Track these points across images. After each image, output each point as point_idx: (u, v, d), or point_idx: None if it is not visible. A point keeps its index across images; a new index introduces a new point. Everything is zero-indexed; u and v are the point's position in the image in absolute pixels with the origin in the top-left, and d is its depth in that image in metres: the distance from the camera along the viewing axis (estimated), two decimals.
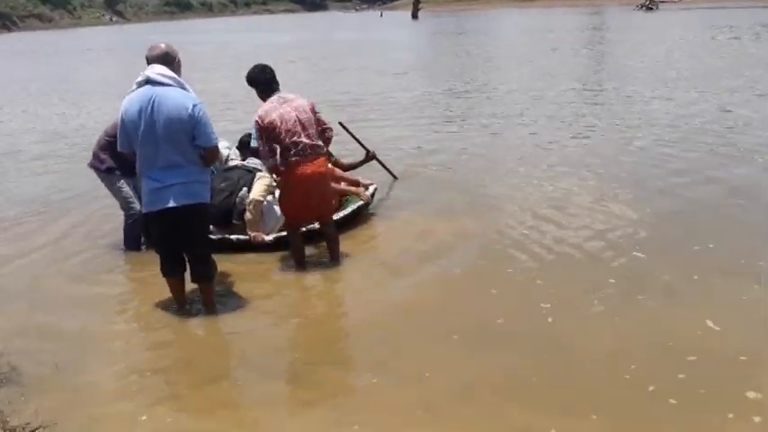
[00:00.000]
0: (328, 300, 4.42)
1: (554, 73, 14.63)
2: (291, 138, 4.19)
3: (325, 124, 4.40)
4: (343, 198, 5.51)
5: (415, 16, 55.68)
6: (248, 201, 4.87)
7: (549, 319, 3.66)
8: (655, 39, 22.75)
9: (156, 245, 3.96)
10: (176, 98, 3.54)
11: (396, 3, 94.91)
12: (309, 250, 4.71)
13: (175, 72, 3.66)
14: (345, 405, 3.05)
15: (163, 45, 3.75)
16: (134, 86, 3.62)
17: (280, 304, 4.24)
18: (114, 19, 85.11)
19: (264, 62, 4.47)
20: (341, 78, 15.89)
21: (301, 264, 4.56)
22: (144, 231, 4.74)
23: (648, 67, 14.88)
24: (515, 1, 72.10)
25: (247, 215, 4.86)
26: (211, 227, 4.59)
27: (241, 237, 4.85)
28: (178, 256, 3.85)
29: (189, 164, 3.62)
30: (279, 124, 4.17)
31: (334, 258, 4.61)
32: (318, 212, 4.54)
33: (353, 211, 5.29)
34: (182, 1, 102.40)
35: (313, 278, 4.52)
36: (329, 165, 5.27)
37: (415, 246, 4.90)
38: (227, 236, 4.85)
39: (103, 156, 4.82)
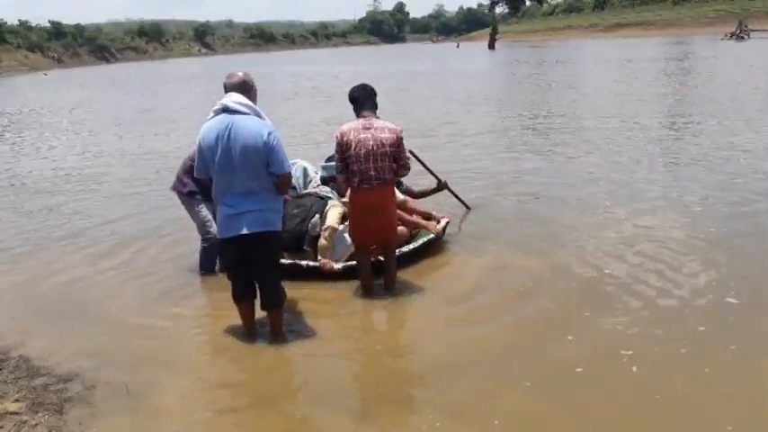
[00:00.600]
0: (396, 334, 4.31)
1: (636, 103, 14.14)
2: (360, 165, 4.22)
3: (402, 161, 4.35)
4: (413, 231, 5.42)
5: (491, 47, 55.80)
6: (324, 227, 4.87)
7: (633, 368, 3.40)
8: (745, 69, 21.66)
9: (229, 270, 4.00)
10: (252, 126, 3.59)
11: (473, 34, 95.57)
12: (380, 280, 4.64)
13: (252, 100, 3.74)
14: None
15: (240, 74, 3.83)
16: (211, 114, 3.71)
17: (347, 335, 4.18)
18: (203, 50, 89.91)
19: (364, 83, 4.49)
20: (416, 107, 15.97)
21: (369, 290, 4.52)
22: (219, 256, 4.81)
23: (737, 98, 14.12)
24: (595, 32, 71.17)
25: (321, 241, 4.85)
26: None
27: (311, 263, 4.86)
28: (249, 282, 3.87)
29: (263, 191, 3.67)
30: (353, 147, 4.20)
31: (388, 289, 4.56)
32: (381, 240, 4.50)
33: (423, 244, 5.20)
34: (265, 33, 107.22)
35: (382, 310, 4.44)
36: (399, 194, 5.26)
37: (488, 282, 4.74)
38: (297, 261, 4.87)
39: (186, 179, 4.96)
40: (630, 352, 3.54)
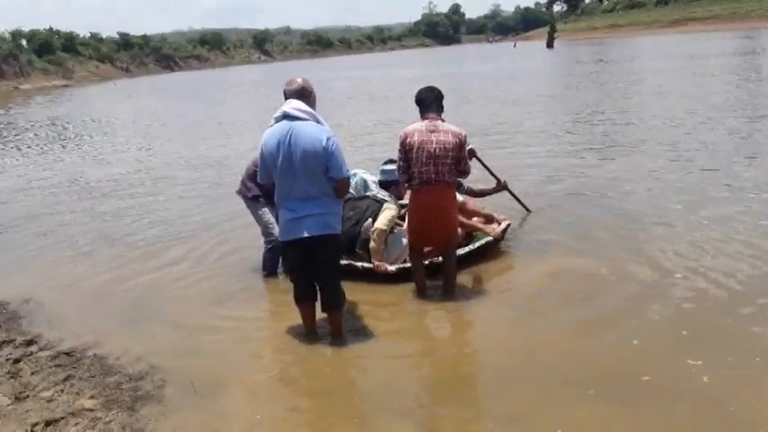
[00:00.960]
0: (455, 338, 4.28)
1: (702, 101, 13.57)
2: (421, 167, 4.25)
3: (462, 166, 4.35)
4: (472, 233, 5.38)
5: (550, 45, 54.83)
6: (372, 230, 4.93)
7: (705, 379, 3.26)
8: None
9: (290, 272, 4.08)
10: (312, 132, 3.66)
11: (530, 33, 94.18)
12: (436, 282, 4.63)
13: (311, 105, 3.81)
14: None
15: (299, 80, 3.89)
16: (272, 121, 3.80)
17: (405, 338, 4.18)
18: (262, 57, 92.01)
19: (431, 85, 4.52)
20: (470, 108, 15.84)
21: (423, 292, 4.54)
22: (281, 259, 4.91)
23: None
24: (658, 27, 68.78)
25: (371, 244, 4.91)
26: None
27: (366, 264, 4.92)
28: (310, 284, 3.95)
29: (323, 195, 3.74)
30: (415, 149, 4.24)
31: (447, 291, 4.54)
32: (437, 241, 4.51)
33: (481, 246, 5.15)
34: (322, 39, 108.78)
35: (440, 313, 4.42)
36: (459, 196, 5.23)
37: (549, 285, 4.66)
38: (353, 263, 4.92)
39: (250, 184, 5.11)
40: (700, 362, 3.40)
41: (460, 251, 4.99)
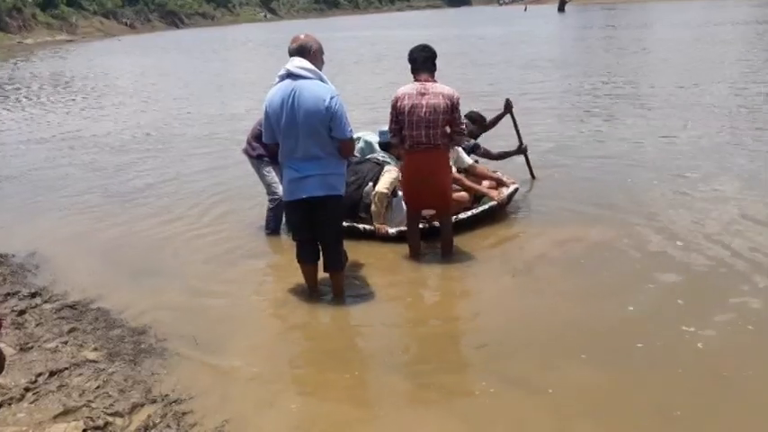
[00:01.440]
0: (453, 302, 4.30)
1: (715, 69, 13.37)
2: (412, 131, 4.21)
3: (457, 126, 4.28)
4: (479, 197, 5.34)
5: (561, 9, 53.70)
6: (373, 193, 4.96)
7: (699, 345, 3.29)
8: None
9: (294, 232, 4.11)
10: (315, 90, 3.62)
11: None
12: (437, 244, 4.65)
13: (314, 62, 3.73)
14: (465, 411, 2.93)
15: (302, 36, 3.81)
16: (276, 79, 3.75)
17: (403, 301, 4.21)
18: (268, 16, 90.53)
19: (424, 44, 4.37)
20: (480, 71, 15.65)
21: (416, 252, 4.56)
22: (285, 218, 4.93)
23: None
24: None
25: (372, 207, 4.96)
26: None
27: (368, 226, 4.97)
28: (313, 244, 3.97)
29: (327, 156, 3.72)
30: (406, 112, 4.19)
31: (445, 254, 4.57)
32: (434, 204, 4.52)
33: (483, 212, 5.12)
34: None
35: (440, 278, 4.46)
36: (467, 159, 5.32)
37: (550, 252, 4.66)
38: (355, 224, 4.97)
39: (255, 143, 5.12)
40: (693, 329, 3.43)
41: (463, 215, 5.01)
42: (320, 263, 4.03)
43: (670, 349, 3.28)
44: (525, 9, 62.37)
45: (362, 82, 14.98)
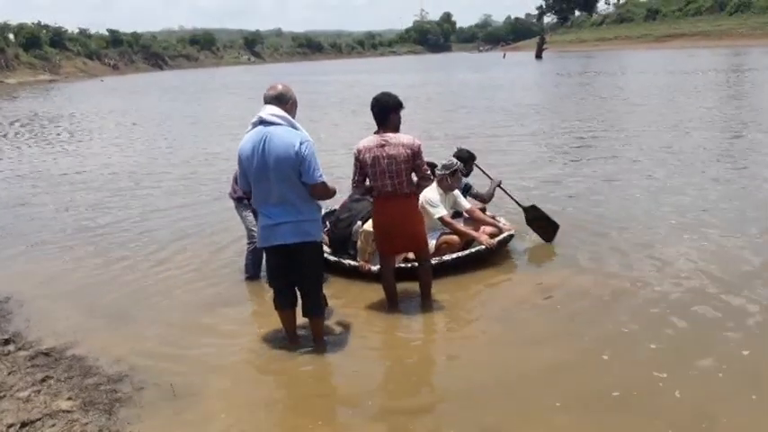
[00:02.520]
0: (432, 348, 4.28)
1: (688, 115, 13.75)
2: (377, 181, 4.27)
3: (422, 173, 4.31)
4: (471, 241, 5.34)
5: (539, 56, 55.23)
6: (360, 230, 5.07)
7: (676, 394, 3.31)
8: None
9: (270, 278, 4.09)
10: (285, 136, 3.66)
11: (519, 43, 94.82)
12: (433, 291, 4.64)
13: (289, 112, 3.79)
14: None
15: (279, 86, 3.87)
16: (250, 126, 3.80)
17: (384, 345, 4.21)
18: (252, 59, 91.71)
19: (387, 92, 4.38)
20: (460, 116, 15.94)
21: (392, 301, 4.55)
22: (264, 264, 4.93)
23: None
24: (647, 42, 69.59)
25: (358, 243, 5.07)
26: (328, 250, 5.12)
27: (353, 262, 5.07)
28: (290, 289, 3.96)
29: (300, 201, 3.73)
30: (369, 164, 4.24)
31: (424, 298, 4.58)
32: (407, 248, 4.55)
33: (470, 255, 5.14)
34: (313, 43, 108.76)
35: (420, 322, 4.46)
36: (465, 203, 5.51)
37: (531, 298, 4.67)
38: (341, 260, 5.13)
39: (236, 186, 5.11)
40: (665, 375, 3.46)
41: (448, 257, 5.07)
42: (299, 308, 4.01)
43: (645, 397, 3.29)
44: (504, 56, 64.13)
45: (345, 125, 15.16)
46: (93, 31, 72.17)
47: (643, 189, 7.70)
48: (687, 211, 6.62)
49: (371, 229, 4.90)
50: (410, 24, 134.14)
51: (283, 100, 3.80)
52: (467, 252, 5.17)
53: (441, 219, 5.18)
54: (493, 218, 5.80)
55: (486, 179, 6.22)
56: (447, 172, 5.28)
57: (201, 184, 8.98)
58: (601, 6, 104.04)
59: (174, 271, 5.53)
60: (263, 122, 3.72)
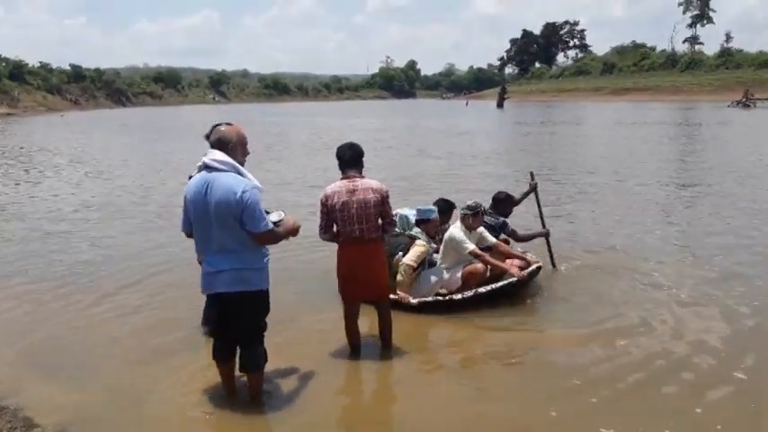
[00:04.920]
0: (385, 404, 4.12)
1: (641, 166, 14.21)
2: (345, 227, 4.25)
3: (389, 217, 4.35)
4: (501, 274, 5.50)
5: (500, 105, 56.72)
6: (400, 263, 5.24)
7: None
8: (753, 137, 21.89)
9: (210, 328, 3.91)
10: (227, 183, 3.52)
11: (482, 93, 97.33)
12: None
13: (233, 154, 3.62)
14: None
15: (222, 128, 3.72)
16: (195, 171, 3.71)
17: (330, 402, 3.95)
18: (217, 99, 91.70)
19: (351, 142, 4.45)
20: (425, 161, 16.13)
21: (356, 348, 4.47)
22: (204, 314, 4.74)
23: (749, 166, 14.19)
24: (603, 95, 72.37)
25: (398, 276, 5.24)
26: None
27: (392, 296, 5.04)
28: (230, 342, 3.77)
29: (243, 249, 3.58)
30: (337, 209, 4.23)
31: (385, 344, 4.52)
32: (370, 295, 4.47)
33: (502, 287, 5.29)
34: (279, 84, 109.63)
35: (372, 374, 4.34)
36: (491, 239, 5.66)
37: (495, 353, 4.58)
38: None
39: None
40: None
41: (483, 289, 5.23)
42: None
43: None
44: (467, 104, 65.71)
45: (311, 166, 15.17)
46: (55, 65, 71.44)
47: (600, 240, 7.83)
48: (670, 258, 6.73)
49: (411, 263, 5.27)
50: (376, 70, 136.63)
51: (225, 144, 3.63)
52: (499, 284, 5.29)
53: (471, 252, 5.38)
54: (521, 252, 5.96)
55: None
56: (470, 212, 5.52)
57: (162, 222, 8.76)
58: (560, 59, 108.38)
59: (126, 315, 5.29)
60: (206, 167, 3.59)
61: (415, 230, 5.55)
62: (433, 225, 5.61)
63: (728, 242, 7.50)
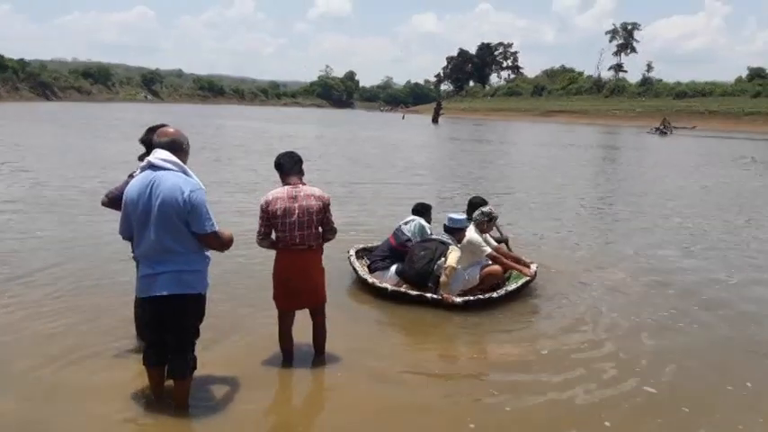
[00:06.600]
0: (315, 415, 4.13)
1: (567, 184, 14.82)
2: (285, 233, 4.22)
3: (328, 226, 4.36)
4: (506, 273, 6.17)
5: (435, 121, 57.66)
6: (445, 267, 5.71)
7: None
8: (666, 163, 23.23)
9: (143, 331, 3.80)
10: (174, 182, 3.45)
11: (418, 107, 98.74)
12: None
13: (182, 158, 3.59)
14: None
15: (172, 130, 3.68)
16: (138, 171, 3.62)
17: (259, 412, 3.90)
18: (149, 97, 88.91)
19: (291, 150, 4.47)
20: (359, 170, 16.21)
21: (289, 356, 4.43)
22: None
23: (662, 190, 15.04)
24: (532, 115, 74.97)
25: (443, 278, 5.70)
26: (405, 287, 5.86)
27: (435, 296, 5.66)
28: (160, 347, 3.66)
29: (185, 251, 3.50)
30: (279, 216, 4.20)
31: (318, 350, 4.52)
32: (306, 303, 4.45)
33: (518, 288, 5.91)
34: (215, 86, 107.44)
35: (301, 383, 4.32)
36: (492, 242, 6.28)
37: (426, 362, 4.68)
38: (423, 294, 5.71)
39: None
40: None
41: (498, 292, 5.76)
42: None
43: None
44: (403, 117, 66.29)
45: (250, 170, 14.97)
46: None
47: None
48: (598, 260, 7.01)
49: (455, 265, 5.70)
50: (315, 78, 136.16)
51: (176, 146, 3.57)
52: (514, 286, 5.91)
53: (489, 255, 6.00)
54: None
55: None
56: (486, 218, 6.10)
57: (86, 224, 8.40)
58: (493, 79, 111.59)
59: (45, 319, 5.01)
60: (152, 167, 3.52)
61: (445, 237, 6.15)
62: (462, 233, 6.07)
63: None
